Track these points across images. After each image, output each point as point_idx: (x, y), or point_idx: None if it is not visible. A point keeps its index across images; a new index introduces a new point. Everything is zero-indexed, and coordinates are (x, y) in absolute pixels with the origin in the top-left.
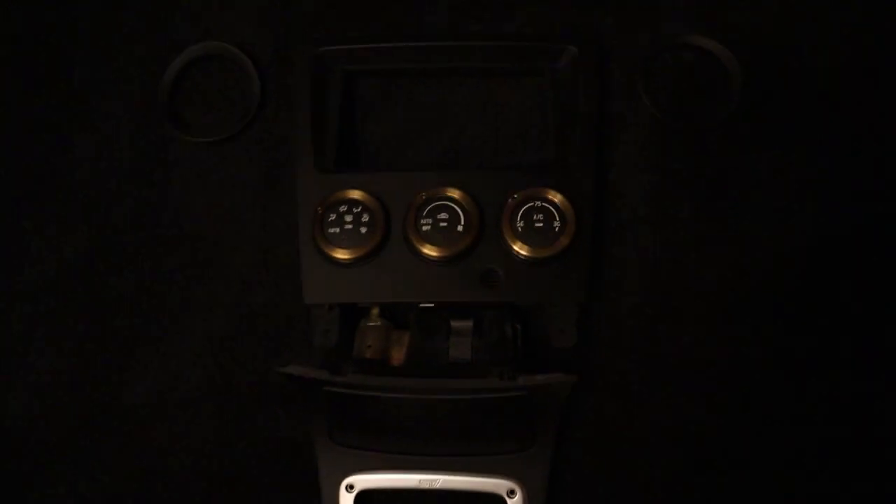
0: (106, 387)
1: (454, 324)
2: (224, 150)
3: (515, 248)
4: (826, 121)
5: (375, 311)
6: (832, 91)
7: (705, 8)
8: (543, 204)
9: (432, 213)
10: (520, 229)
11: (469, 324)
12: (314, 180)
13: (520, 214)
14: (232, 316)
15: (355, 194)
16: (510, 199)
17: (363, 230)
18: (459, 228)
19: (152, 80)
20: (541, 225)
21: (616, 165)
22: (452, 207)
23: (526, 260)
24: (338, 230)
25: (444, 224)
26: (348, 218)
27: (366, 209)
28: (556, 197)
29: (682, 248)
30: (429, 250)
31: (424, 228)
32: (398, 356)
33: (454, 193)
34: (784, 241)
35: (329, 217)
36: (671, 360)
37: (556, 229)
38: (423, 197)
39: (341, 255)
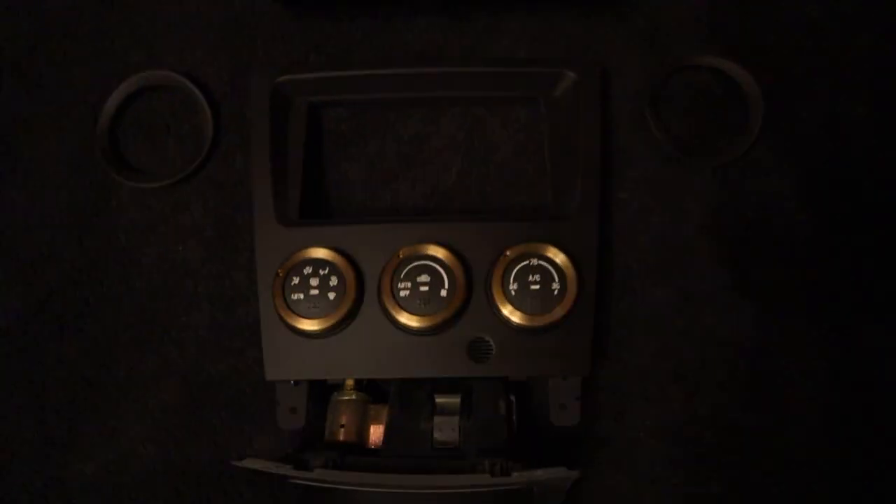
0: (47, 468)
1: (439, 400)
2: (174, 194)
3: (507, 314)
4: (862, 153)
5: (350, 382)
6: (866, 119)
7: (720, 26)
8: (540, 262)
9: (411, 276)
10: (513, 292)
11: (456, 400)
12: (275, 235)
13: (513, 275)
14: (188, 385)
15: (321, 253)
16: (501, 257)
17: (331, 296)
18: (443, 293)
19: (90, 114)
20: (537, 287)
21: (622, 207)
22: (434, 268)
23: (520, 328)
24: (302, 296)
25: (425, 288)
26: (314, 281)
27: (334, 271)
28: (556, 255)
29: (698, 302)
30: (407, 319)
31: (402, 293)
32: (376, 435)
33: (436, 252)
34: (819, 296)
35: (291, 280)
36: (686, 432)
37: (556, 292)
38: (401, 256)
39: (306, 325)
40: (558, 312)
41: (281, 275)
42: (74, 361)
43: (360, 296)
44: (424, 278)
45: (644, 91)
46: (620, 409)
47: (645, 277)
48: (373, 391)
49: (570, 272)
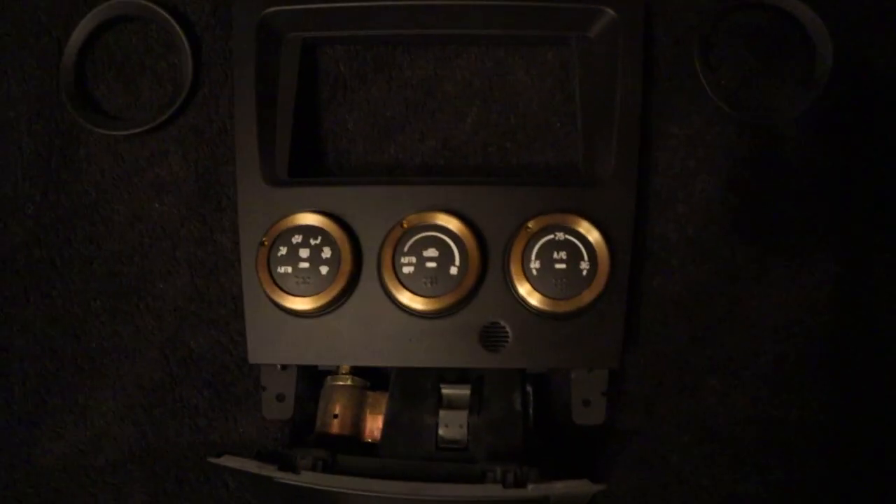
0: (13, 447)
1: (446, 391)
2: (149, 143)
3: (527, 296)
4: None
5: (346, 366)
6: None
7: None
8: (568, 237)
9: (417, 249)
10: (534, 272)
11: (465, 392)
12: (260, 196)
13: (535, 251)
14: (166, 359)
15: (312, 219)
16: (523, 229)
17: (324, 270)
18: (453, 270)
19: (54, 49)
20: (563, 266)
21: (660, 169)
22: (444, 241)
23: (541, 313)
24: (290, 269)
25: (433, 264)
26: (304, 253)
27: (327, 241)
28: (587, 229)
29: (743, 282)
30: (411, 300)
31: (406, 270)
32: (374, 427)
33: (447, 221)
34: (882, 276)
35: (278, 251)
36: (724, 428)
37: (584, 273)
38: (405, 226)
39: (294, 303)
40: (586, 297)
41: (266, 244)
42: (41, 330)
43: (356, 271)
44: (432, 252)
45: (692, 33)
46: (650, 401)
47: (683, 252)
48: (372, 375)
49: (601, 250)
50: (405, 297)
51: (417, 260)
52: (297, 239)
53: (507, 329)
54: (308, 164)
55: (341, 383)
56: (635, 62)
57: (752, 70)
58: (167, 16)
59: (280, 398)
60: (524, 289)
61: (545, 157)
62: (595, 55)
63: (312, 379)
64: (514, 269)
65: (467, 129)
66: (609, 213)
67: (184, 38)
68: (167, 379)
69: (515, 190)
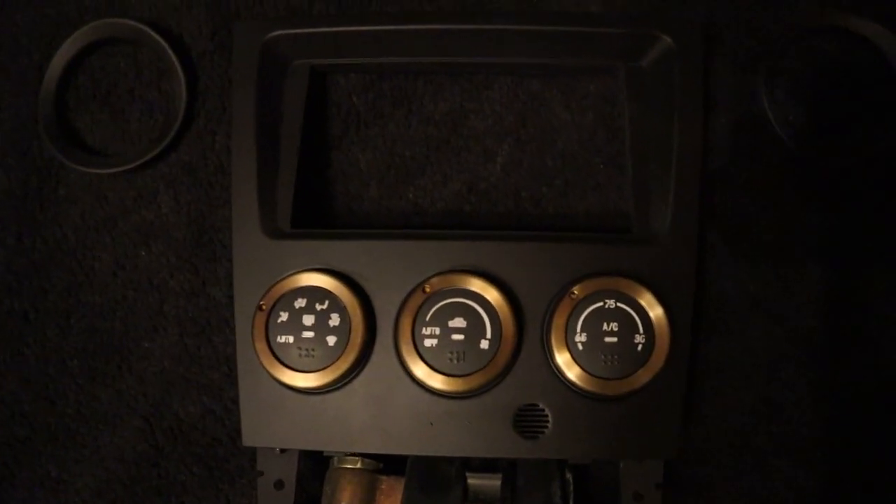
0: None
1: (472, 481)
2: (136, 183)
3: (571, 374)
4: None
5: None
6: None
7: None
8: (620, 306)
9: (441, 318)
10: (580, 346)
11: (495, 482)
12: (257, 251)
13: (581, 322)
14: (151, 429)
15: (318, 279)
16: (566, 297)
17: (331, 341)
18: (483, 344)
19: (32, 76)
20: (614, 340)
21: (720, 217)
22: (473, 309)
23: (588, 395)
24: (291, 339)
25: (460, 336)
26: (308, 320)
27: (335, 306)
28: (644, 297)
29: (815, 347)
30: (433, 379)
31: (428, 343)
32: None
33: (477, 286)
34: None
35: (278, 317)
36: None
37: (639, 348)
38: (428, 291)
39: (296, 380)
40: (642, 377)
41: (264, 308)
42: (10, 392)
43: (369, 342)
44: (459, 322)
45: (756, 62)
46: (705, 483)
47: (743, 311)
48: (385, 455)
49: (660, 322)
50: (426, 375)
51: (442, 331)
52: (300, 303)
53: (547, 412)
54: (314, 211)
55: (349, 466)
56: (695, 96)
57: (824, 104)
58: (159, 39)
59: (279, 485)
60: (567, 366)
61: (586, 204)
62: (647, 87)
63: (316, 455)
64: (556, 343)
65: (497, 170)
66: (667, 276)
67: (177, 64)
68: (151, 451)
69: (557, 248)
